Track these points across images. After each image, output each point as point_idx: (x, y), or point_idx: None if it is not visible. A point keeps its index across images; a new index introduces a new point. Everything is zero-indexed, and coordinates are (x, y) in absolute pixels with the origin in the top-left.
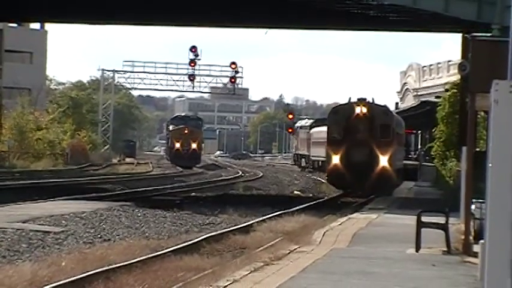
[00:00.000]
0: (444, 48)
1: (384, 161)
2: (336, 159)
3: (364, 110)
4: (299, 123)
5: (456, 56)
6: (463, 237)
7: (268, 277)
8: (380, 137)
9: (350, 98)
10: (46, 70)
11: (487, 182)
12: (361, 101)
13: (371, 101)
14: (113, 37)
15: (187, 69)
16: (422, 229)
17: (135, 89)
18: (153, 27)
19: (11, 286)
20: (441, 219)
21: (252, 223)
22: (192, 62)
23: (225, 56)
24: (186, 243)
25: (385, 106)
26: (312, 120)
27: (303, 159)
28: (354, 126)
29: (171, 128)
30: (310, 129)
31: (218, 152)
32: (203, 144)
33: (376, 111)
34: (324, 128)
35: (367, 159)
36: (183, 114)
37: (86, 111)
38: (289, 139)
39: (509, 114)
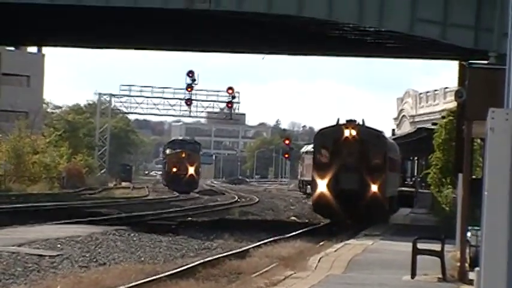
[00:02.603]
0: (441, 75)
1: (374, 188)
2: (322, 186)
3: (353, 132)
4: (304, 149)
5: (453, 83)
6: (458, 264)
7: None
8: (371, 162)
9: (338, 120)
10: (43, 93)
11: (482, 209)
12: (350, 123)
13: (361, 123)
14: (110, 61)
15: (184, 93)
16: (418, 256)
17: (132, 113)
18: (151, 52)
19: None
20: (437, 246)
21: (248, 248)
22: (189, 87)
23: (222, 81)
24: (181, 268)
25: (378, 130)
26: None
27: (309, 186)
28: (342, 150)
29: (168, 151)
30: None
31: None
32: (200, 169)
33: (367, 134)
34: None
35: (356, 186)
36: (180, 138)
37: (83, 134)
38: (285, 164)
39: (505, 142)
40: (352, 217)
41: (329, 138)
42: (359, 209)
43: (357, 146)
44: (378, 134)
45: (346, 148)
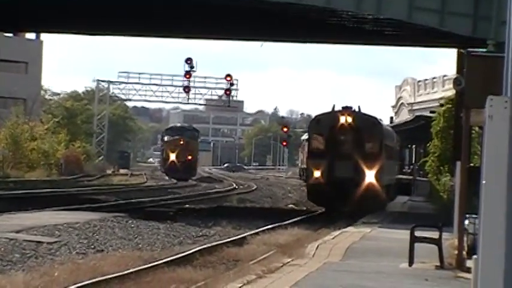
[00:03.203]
0: (439, 63)
1: (370, 176)
2: (317, 174)
3: (349, 119)
4: (305, 136)
5: (451, 71)
6: (456, 252)
7: None
8: (367, 149)
9: (334, 106)
10: (41, 80)
11: (480, 197)
12: (346, 110)
13: (357, 109)
14: (108, 48)
15: (183, 80)
16: (416, 244)
17: (130, 100)
18: (149, 39)
19: None
20: (435, 234)
21: (246, 236)
22: (188, 74)
23: (221, 68)
24: (179, 255)
25: (374, 117)
26: None
27: None
28: (338, 137)
29: (166, 138)
30: None
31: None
32: (199, 156)
33: (363, 121)
34: None
35: (352, 174)
36: (178, 124)
37: (81, 121)
38: (283, 152)
39: (503, 130)
40: (347, 205)
41: (324, 125)
42: (354, 197)
43: (353, 133)
44: (374, 121)
45: (342, 135)
